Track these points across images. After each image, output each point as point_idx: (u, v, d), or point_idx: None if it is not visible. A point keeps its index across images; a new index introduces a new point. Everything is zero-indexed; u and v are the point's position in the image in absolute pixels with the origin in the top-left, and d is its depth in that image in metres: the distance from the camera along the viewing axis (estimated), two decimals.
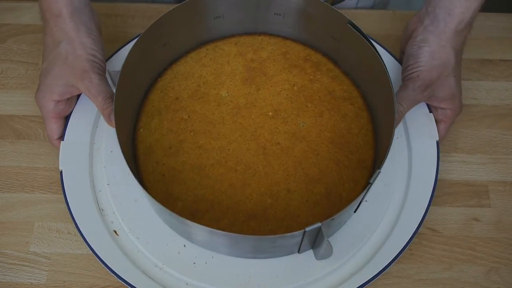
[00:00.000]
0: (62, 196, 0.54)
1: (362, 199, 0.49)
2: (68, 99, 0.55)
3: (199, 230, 0.44)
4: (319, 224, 0.42)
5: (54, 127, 0.54)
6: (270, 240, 0.44)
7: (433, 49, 0.54)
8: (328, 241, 0.43)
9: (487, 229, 0.54)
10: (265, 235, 0.43)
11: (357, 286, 0.49)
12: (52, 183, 0.56)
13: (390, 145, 0.45)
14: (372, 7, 0.75)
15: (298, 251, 0.49)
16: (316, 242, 0.47)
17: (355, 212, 0.51)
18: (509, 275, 0.52)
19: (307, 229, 0.42)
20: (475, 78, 0.63)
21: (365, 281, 0.49)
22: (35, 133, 0.58)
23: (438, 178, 0.54)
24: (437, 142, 0.55)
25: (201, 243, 0.49)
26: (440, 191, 0.56)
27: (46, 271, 0.52)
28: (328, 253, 0.45)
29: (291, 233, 0.43)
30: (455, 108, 0.55)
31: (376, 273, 0.49)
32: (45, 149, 0.57)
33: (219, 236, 0.44)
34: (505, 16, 0.67)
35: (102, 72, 0.54)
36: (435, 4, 0.55)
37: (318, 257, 0.47)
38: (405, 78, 0.55)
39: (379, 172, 0.44)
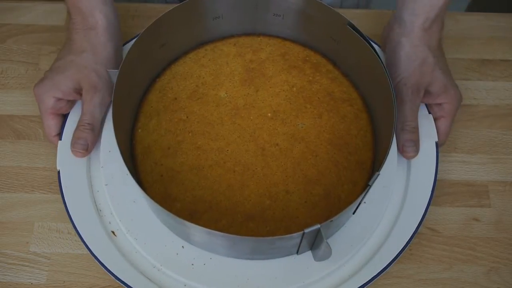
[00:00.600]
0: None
1: (361, 200, 0.49)
2: (69, 100, 0.55)
3: (197, 231, 0.44)
4: (318, 226, 0.42)
5: (51, 124, 0.54)
6: (269, 241, 0.44)
7: (408, 50, 0.55)
8: (327, 242, 0.43)
9: (487, 229, 0.54)
10: (263, 237, 0.43)
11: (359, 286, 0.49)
12: (52, 183, 0.56)
13: (390, 147, 0.45)
14: (357, 6, 0.75)
15: (297, 253, 0.49)
16: (315, 243, 0.47)
17: (353, 213, 0.51)
18: (509, 275, 0.52)
19: (306, 230, 0.42)
20: (475, 78, 0.63)
21: (364, 282, 0.49)
22: (35, 133, 0.58)
23: (438, 178, 0.54)
24: (436, 143, 0.55)
25: (200, 244, 0.49)
26: (440, 191, 0.56)
27: (46, 271, 0.52)
28: (327, 255, 0.45)
29: (290, 235, 0.43)
30: (452, 100, 0.55)
31: (375, 274, 0.49)
32: (45, 149, 0.57)
33: (217, 237, 0.44)
34: (505, 16, 0.67)
35: (110, 92, 0.54)
36: (400, 7, 0.56)
37: (317, 258, 0.47)
38: (395, 88, 0.55)
39: (378, 174, 0.44)
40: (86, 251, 0.52)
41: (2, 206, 0.55)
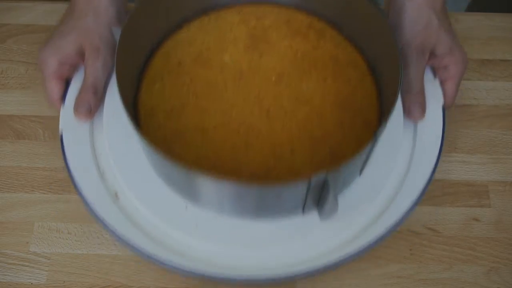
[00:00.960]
0: (62, 196, 0.54)
1: (370, 153, 0.48)
2: (72, 65, 0.55)
3: (202, 183, 0.44)
4: (325, 173, 0.42)
5: (54, 88, 0.54)
6: (275, 190, 0.44)
7: (411, 13, 0.54)
8: (334, 194, 0.43)
9: (487, 229, 0.54)
10: (269, 185, 0.43)
11: (363, 247, 0.48)
12: (52, 183, 0.56)
13: (395, 103, 0.45)
14: None
15: (303, 211, 0.49)
16: (321, 199, 0.46)
17: (360, 174, 0.51)
18: (509, 275, 0.52)
19: (313, 177, 0.42)
20: (475, 78, 0.63)
21: (369, 243, 0.49)
22: (35, 133, 0.58)
23: (438, 178, 0.54)
24: (443, 106, 0.55)
25: (203, 202, 0.49)
26: (440, 191, 0.56)
27: (46, 271, 0.52)
28: (334, 209, 0.45)
29: (295, 182, 0.42)
30: (458, 61, 0.54)
31: (382, 233, 0.49)
32: (45, 149, 0.57)
33: (223, 188, 0.44)
34: (505, 16, 0.67)
35: (113, 55, 0.54)
36: None
37: (323, 215, 0.47)
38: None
39: (386, 123, 0.44)
40: (86, 251, 0.52)
41: (2, 206, 0.55)
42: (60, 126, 0.53)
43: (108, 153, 0.52)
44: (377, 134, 0.45)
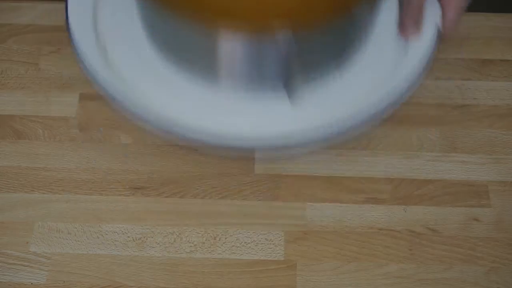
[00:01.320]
0: (62, 196, 0.55)
1: (346, 36, 0.48)
2: None
3: (183, 28, 0.45)
4: (290, 29, 0.42)
5: None
6: (250, 40, 0.44)
7: None
8: (302, 67, 0.43)
9: (487, 229, 0.54)
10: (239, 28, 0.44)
11: (331, 135, 0.48)
12: (52, 183, 0.56)
13: None
14: None
15: (283, 83, 0.49)
16: (289, 75, 0.46)
17: (338, 70, 0.51)
18: (509, 275, 0.52)
19: (278, 32, 0.41)
20: (475, 78, 0.63)
21: (340, 131, 0.48)
22: (35, 133, 0.58)
23: (438, 178, 0.54)
24: (439, 29, 0.53)
25: (185, 64, 0.50)
26: (440, 191, 0.56)
27: (46, 271, 0.52)
28: (300, 88, 0.45)
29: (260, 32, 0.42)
30: None
31: (350, 126, 0.48)
32: (45, 149, 0.57)
33: (203, 35, 0.44)
34: (505, 16, 0.67)
35: None
36: None
37: (291, 94, 0.47)
38: None
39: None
40: (86, 251, 0.52)
41: (2, 206, 0.55)
42: None
43: (108, 21, 0.53)
44: (355, 10, 0.43)
